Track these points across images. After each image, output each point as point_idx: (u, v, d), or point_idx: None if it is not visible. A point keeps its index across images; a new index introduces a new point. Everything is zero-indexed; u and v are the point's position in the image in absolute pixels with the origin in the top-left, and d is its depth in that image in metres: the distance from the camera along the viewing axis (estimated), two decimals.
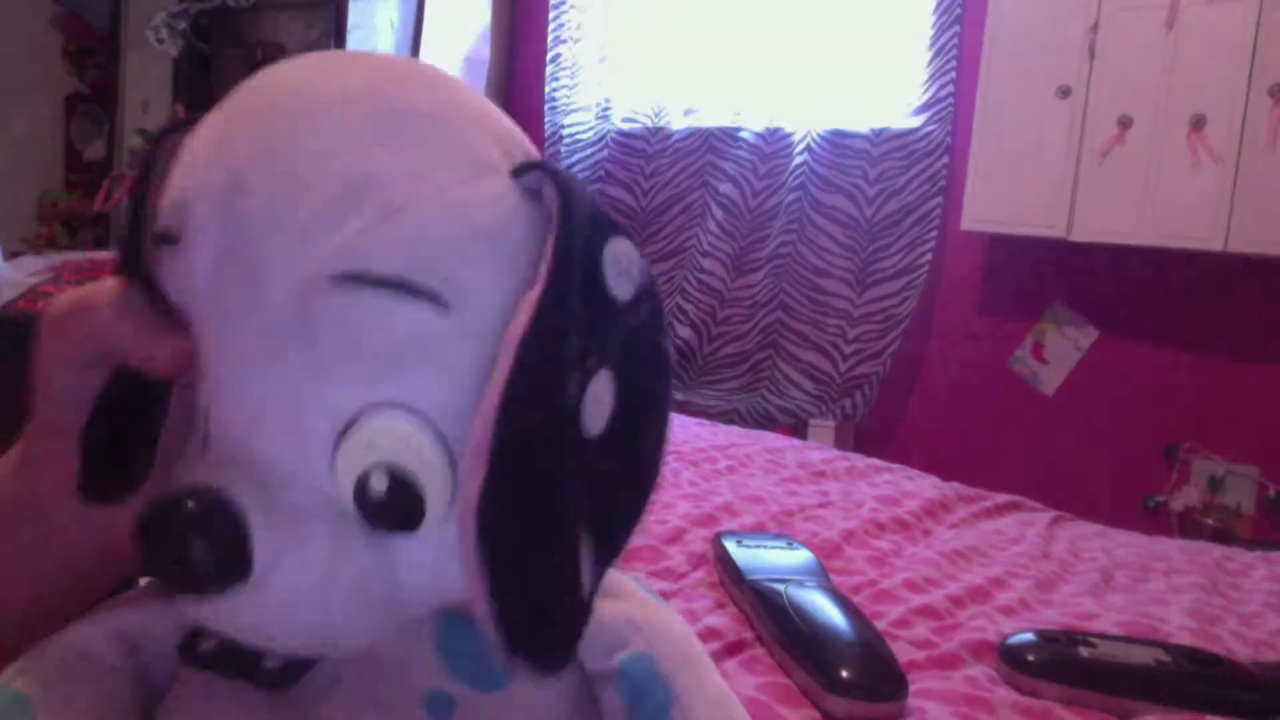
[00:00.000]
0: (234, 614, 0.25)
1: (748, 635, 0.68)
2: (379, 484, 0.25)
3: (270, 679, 0.28)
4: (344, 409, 0.25)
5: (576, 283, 0.25)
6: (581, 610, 0.27)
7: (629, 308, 0.27)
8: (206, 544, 0.24)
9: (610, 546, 0.28)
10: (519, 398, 0.24)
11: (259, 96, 0.28)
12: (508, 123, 0.30)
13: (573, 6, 2.98)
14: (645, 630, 0.32)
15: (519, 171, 0.27)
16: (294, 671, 0.29)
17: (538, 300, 0.25)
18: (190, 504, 0.24)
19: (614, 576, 0.33)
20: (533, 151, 0.30)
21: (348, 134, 0.26)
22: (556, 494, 0.25)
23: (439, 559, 0.27)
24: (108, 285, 0.29)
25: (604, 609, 0.32)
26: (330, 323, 0.25)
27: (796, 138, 2.57)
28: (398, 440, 0.25)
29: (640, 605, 0.33)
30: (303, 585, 0.25)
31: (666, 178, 2.82)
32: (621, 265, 0.27)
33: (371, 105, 0.27)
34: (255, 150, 0.26)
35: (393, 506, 0.26)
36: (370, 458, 0.25)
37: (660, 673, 0.31)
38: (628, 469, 0.28)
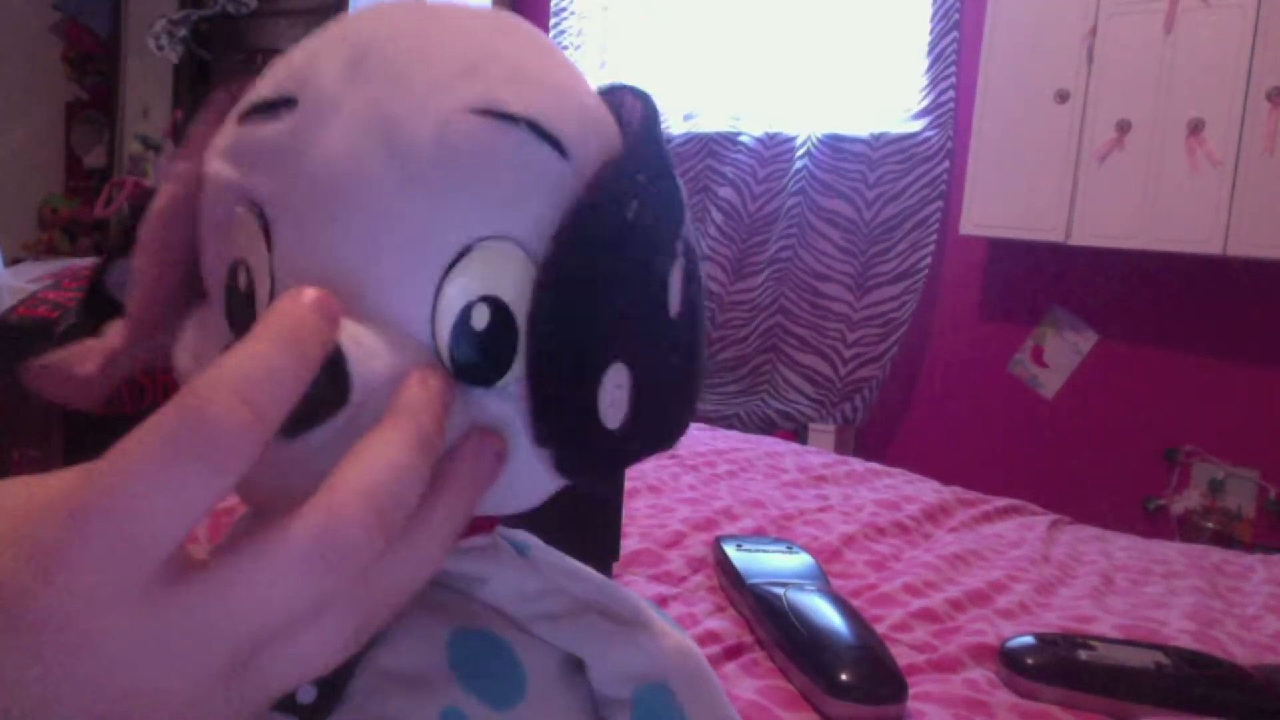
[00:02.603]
0: (326, 453, 0.23)
1: (748, 639, 0.68)
2: (479, 319, 0.26)
3: (304, 713, 0.28)
4: (460, 237, 0.26)
5: (665, 166, 0.28)
6: (606, 440, 0.27)
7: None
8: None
9: (663, 419, 0.29)
10: (586, 215, 0.26)
11: (376, 5, 0.30)
12: None
13: (573, 14, 2.99)
14: (661, 661, 0.32)
15: (607, 91, 0.30)
16: (326, 704, 0.29)
17: (627, 157, 0.27)
18: None
19: (633, 601, 0.33)
20: None
21: (473, 25, 0.29)
22: (599, 317, 0.26)
23: (503, 428, 0.27)
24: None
25: (619, 636, 0.32)
26: (466, 149, 0.26)
27: (797, 142, 2.58)
28: (504, 268, 0.26)
29: (657, 634, 0.33)
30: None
31: None
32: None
33: (494, 15, 0.30)
34: (382, 30, 0.28)
35: (488, 344, 0.26)
36: (475, 289, 0.26)
37: (675, 705, 0.32)
38: (691, 352, 0.30)
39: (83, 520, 0.18)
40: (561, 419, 0.26)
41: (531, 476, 0.28)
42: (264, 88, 0.29)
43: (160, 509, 0.19)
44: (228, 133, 0.29)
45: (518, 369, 0.27)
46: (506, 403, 0.27)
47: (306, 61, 0.28)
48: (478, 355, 0.26)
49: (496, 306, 0.26)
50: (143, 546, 0.19)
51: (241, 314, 0.28)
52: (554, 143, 0.27)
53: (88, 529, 0.18)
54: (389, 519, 0.21)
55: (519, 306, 0.26)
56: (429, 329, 0.26)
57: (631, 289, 0.27)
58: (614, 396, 0.27)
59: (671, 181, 0.28)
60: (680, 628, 0.35)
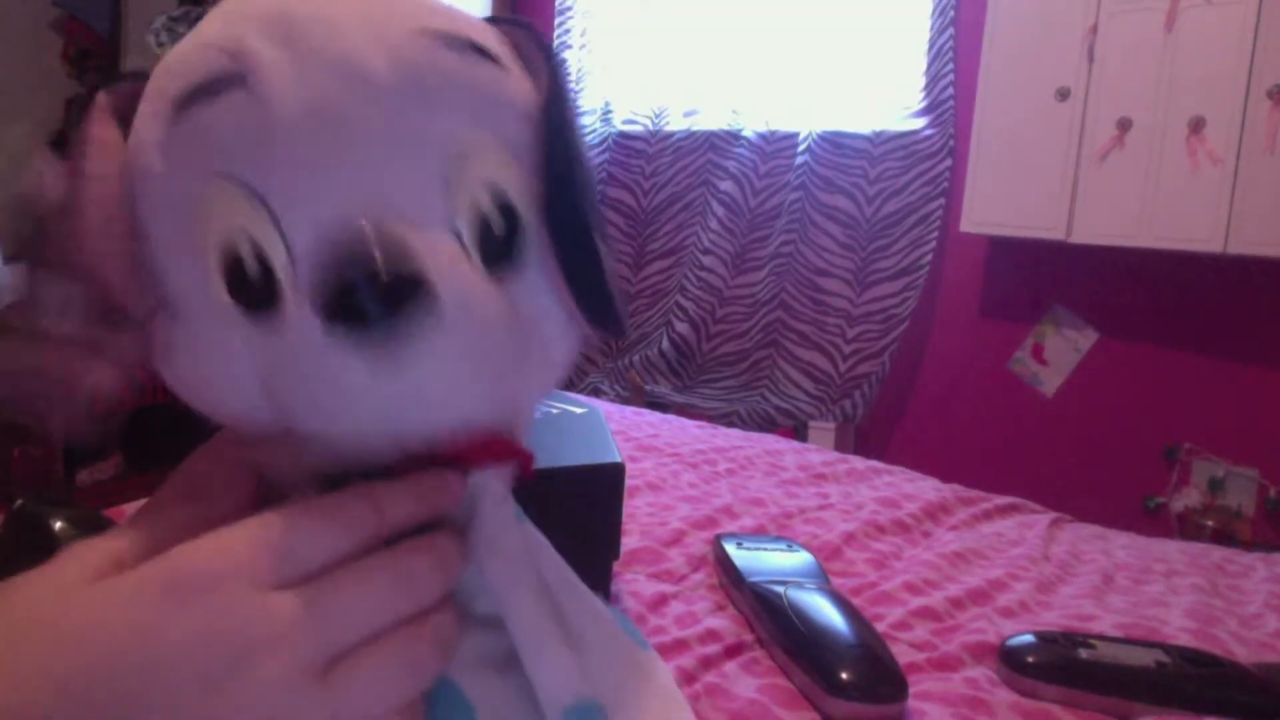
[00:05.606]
0: (424, 356, 0.27)
1: (748, 637, 0.68)
2: (496, 223, 0.30)
3: None
4: (446, 145, 0.29)
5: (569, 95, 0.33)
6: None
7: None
8: (379, 258, 0.26)
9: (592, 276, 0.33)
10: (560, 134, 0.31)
11: None
12: None
13: (577, 14, 2.98)
14: (595, 674, 0.31)
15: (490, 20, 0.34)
16: None
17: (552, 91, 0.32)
18: (347, 235, 0.27)
19: (592, 608, 0.32)
20: None
21: None
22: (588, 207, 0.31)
23: (536, 304, 0.31)
24: None
25: (557, 641, 0.31)
26: (435, 68, 0.29)
27: (798, 139, 2.58)
28: (501, 162, 0.30)
29: (601, 643, 0.32)
30: (477, 308, 0.28)
31: (667, 176, 2.83)
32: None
33: None
34: (284, 3, 0.29)
35: (504, 234, 0.30)
36: (480, 187, 0.29)
37: None
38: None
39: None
40: (591, 278, 0.31)
41: (564, 341, 0.33)
42: (192, 75, 0.29)
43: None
44: (158, 125, 0.29)
45: (530, 251, 0.30)
46: (536, 295, 0.31)
47: (231, 44, 0.28)
48: (499, 244, 0.30)
49: (505, 205, 0.30)
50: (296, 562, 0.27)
51: (255, 291, 0.28)
52: (494, 60, 0.31)
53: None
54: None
55: (519, 197, 0.30)
56: (450, 230, 0.29)
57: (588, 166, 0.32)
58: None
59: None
60: (645, 642, 0.33)
